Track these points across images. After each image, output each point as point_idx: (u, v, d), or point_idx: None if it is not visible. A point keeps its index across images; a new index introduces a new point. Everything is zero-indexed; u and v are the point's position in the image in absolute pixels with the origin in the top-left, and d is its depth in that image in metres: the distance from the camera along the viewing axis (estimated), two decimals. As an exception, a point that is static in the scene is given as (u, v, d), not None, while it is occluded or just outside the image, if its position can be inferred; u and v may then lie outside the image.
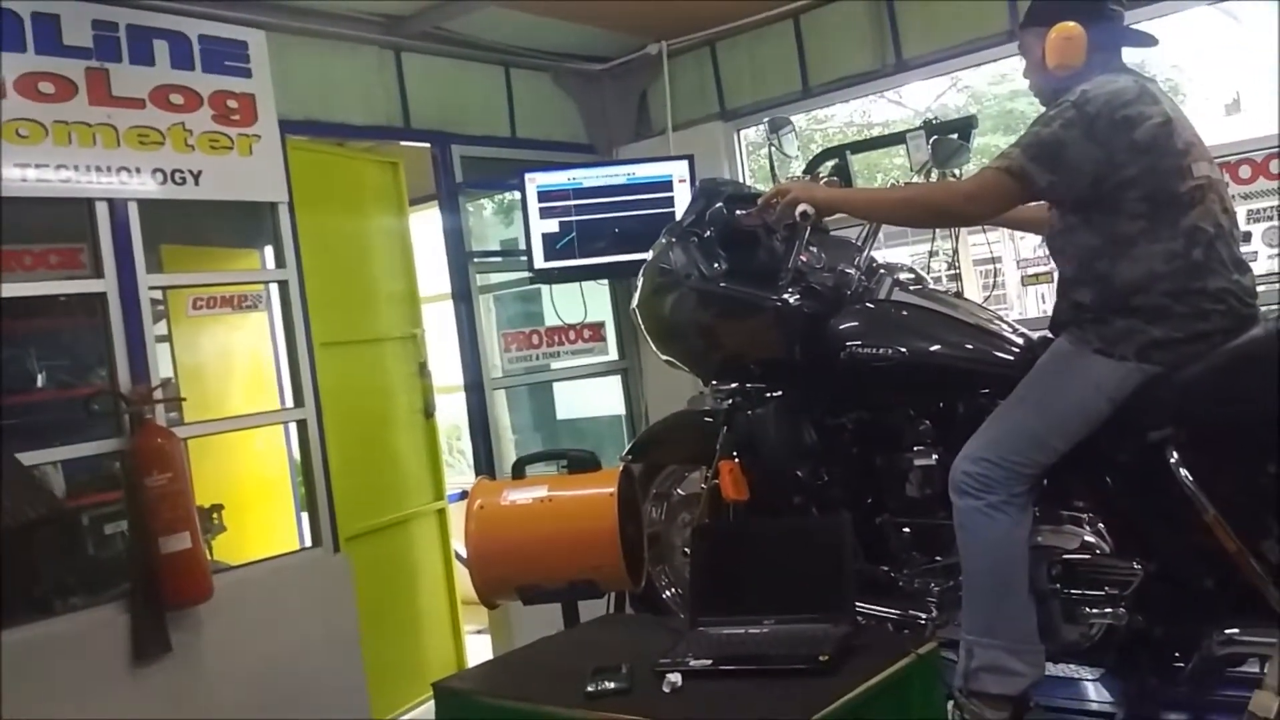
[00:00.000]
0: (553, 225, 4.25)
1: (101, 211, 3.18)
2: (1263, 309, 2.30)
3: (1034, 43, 2.44)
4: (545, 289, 4.56)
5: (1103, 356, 2.26)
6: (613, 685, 1.85)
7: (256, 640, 3.34)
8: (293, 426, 3.94)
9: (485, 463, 4.33)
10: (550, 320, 4.62)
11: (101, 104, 3.17)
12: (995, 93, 7.51)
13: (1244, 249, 3.38)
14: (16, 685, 2.77)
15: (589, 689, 1.85)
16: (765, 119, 2.92)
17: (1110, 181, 2.24)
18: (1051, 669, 2.63)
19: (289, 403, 3.78)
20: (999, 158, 2.33)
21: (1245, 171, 3.52)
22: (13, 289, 3.06)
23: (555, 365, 4.71)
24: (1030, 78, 2.54)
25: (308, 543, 3.84)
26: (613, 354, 4.84)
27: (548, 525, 2.81)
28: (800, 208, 2.49)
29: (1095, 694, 2.67)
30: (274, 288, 3.80)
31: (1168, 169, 2.24)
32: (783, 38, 4.43)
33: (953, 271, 4.92)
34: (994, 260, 4.61)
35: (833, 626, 1.97)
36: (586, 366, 4.79)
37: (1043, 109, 2.41)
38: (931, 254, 3.57)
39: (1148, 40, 2.51)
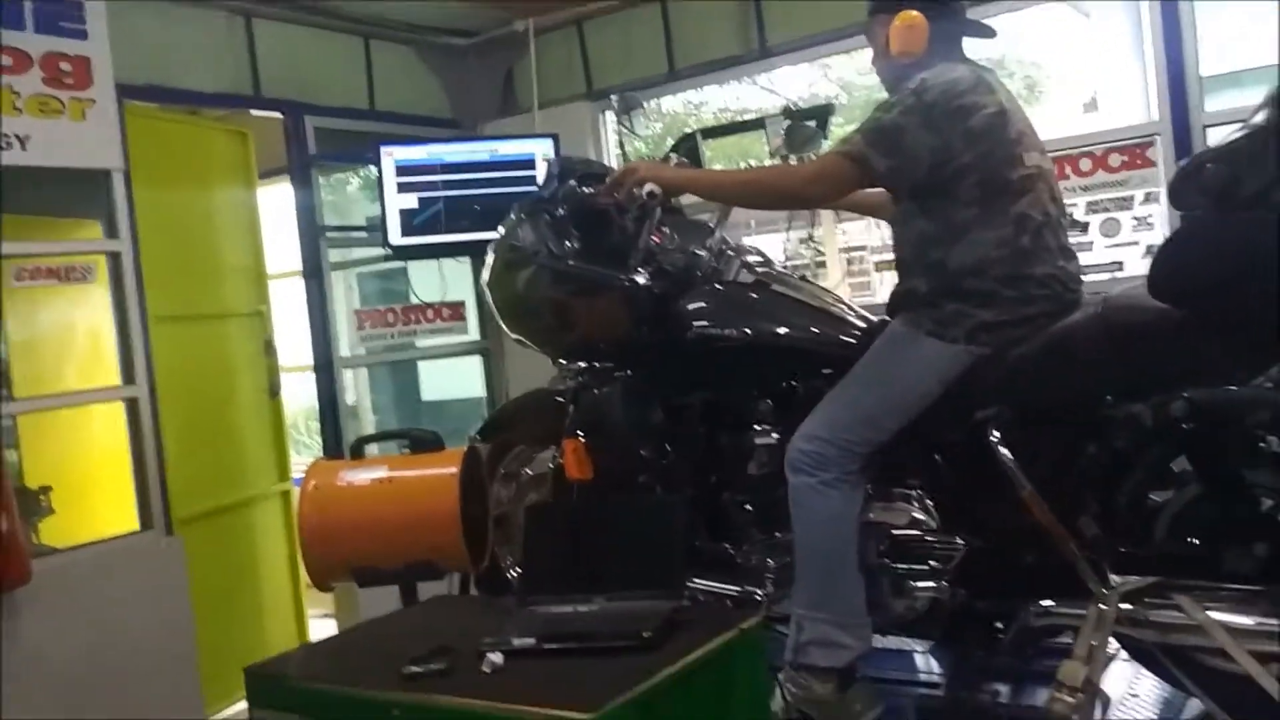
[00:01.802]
0: (411, 201, 4.14)
1: (-84, 175, 2.97)
2: (1089, 295, 2.36)
3: (879, 30, 2.49)
4: (408, 267, 4.46)
5: (935, 339, 2.31)
6: (432, 666, 1.80)
7: (79, 628, 3.17)
8: (132, 405, 3.75)
9: (335, 444, 4.21)
10: (412, 299, 4.52)
11: (-78, 62, 2.96)
12: (864, 83, 7.65)
13: (1082, 238, 3.60)
14: None
15: (406, 671, 1.79)
16: (614, 97, 2.87)
17: (946, 169, 2.30)
18: (882, 641, 2.70)
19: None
20: (840, 143, 2.37)
21: (1085, 164, 3.65)
22: None
23: (414, 345, 4.60)
24: (876, 64, 2.59)
25: (143, 526, 3.65)
26: (473, 334, 4.76)
27: (386, 506, 2.72)
28: (647, 187, 2.48)
29: (923, 665, 2.73)
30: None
31: (1000, 157, 2.29)
32: (650, 19, 4.42)
33: (820, 258, 5.00)
34: (860, 248, 4.72)
35: (660, 604, 1.95)
36: (445, 346, 4.70)
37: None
38: (803, 240, 3.60)
39: (986, 32, 2.57)
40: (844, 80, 8.07)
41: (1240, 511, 2.07)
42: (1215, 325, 2.01)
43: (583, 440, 2.67)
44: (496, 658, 1.81)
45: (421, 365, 5.38)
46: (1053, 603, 2.26)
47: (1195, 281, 2.02)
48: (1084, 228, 3.65)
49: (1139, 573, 2.14)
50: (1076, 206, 3.68)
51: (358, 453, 2.91)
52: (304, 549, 2.74)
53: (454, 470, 2.72)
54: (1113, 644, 2.25)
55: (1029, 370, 2.25)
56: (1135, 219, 3.58)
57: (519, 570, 2.96)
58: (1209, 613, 2.03)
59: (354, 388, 6.16)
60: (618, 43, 4.53)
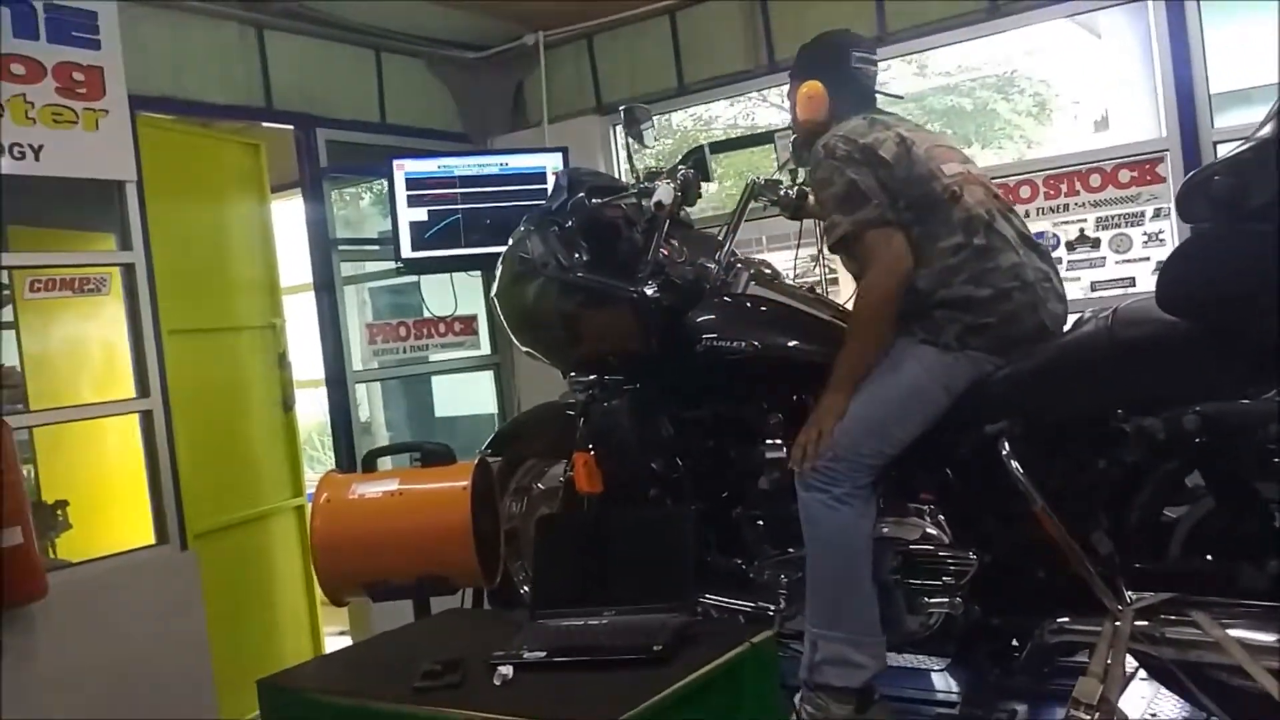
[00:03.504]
0: (421, 214, 4.16)
1: (-71, 184, 2.99)
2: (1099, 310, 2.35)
3: (792, 95, 2.68)
4: (421, 281, 4.47)
5: (929, 346, 2.34)
6: (443, 679, 1.80)
7: (95, 641, 3.17)
8: (147, 419, 3.77)
9: (348, 458, 4.21)
10: (425, 313, 4.53)
11: (-66, 71, 2.98)
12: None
13: (1093, 254, 3.60)
14: None
15: (418, 684, 1.79)
16: (621, 110, 2.88)
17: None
18: (899, 660, 2.68)
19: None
20: (841, 240, 2.45)
21: (1095, 180, 3.65)
22: None
23: (426, 359, 4.60)
24: (792, 128, 2.77)
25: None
26: (485, 348, 4.77)
27: (398, 520, 2.73)
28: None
29: (940, 684, 2.72)
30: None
31: (917, 176, 2.41)
32: (659, 34, 4.43)
33: (832, 274, 5.01)
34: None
35: (671, 617, 1.94)
36: (457, 361, 4.70)
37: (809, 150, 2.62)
38: (813, 257, 3.61)
39: (895, 97, 2.78)
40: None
41: (1254, 527, 2.05)
42: (1223, 338, 2.00)
43: (593, 453, 2.67)
44: (507, 671, 1.81)
45: (435, 380, 5.39)
46: (1068, 619, 2.24)
47: (1202, 294, 2.01)
48: (1095, 243, 3.66)
49: (1154, 589, 2.14)
50: (1086, 222, 3.69)
51: (369, 466, 2.91)
52: (316, 562, 2.74)
53: (465, 484, 2.72)
54: (1132, 662, 2.23)
55: (1038, 383, 2.25)
56: (1146, 234, 3.58)
57: (530, 583, 2.97)
58: (1225, 629, 2.01)
59: (367, 403, 6.19)
60: (627, 57, 4.54)
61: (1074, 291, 3.66)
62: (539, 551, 2.18)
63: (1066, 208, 3.73)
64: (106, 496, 4.30)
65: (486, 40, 4.60)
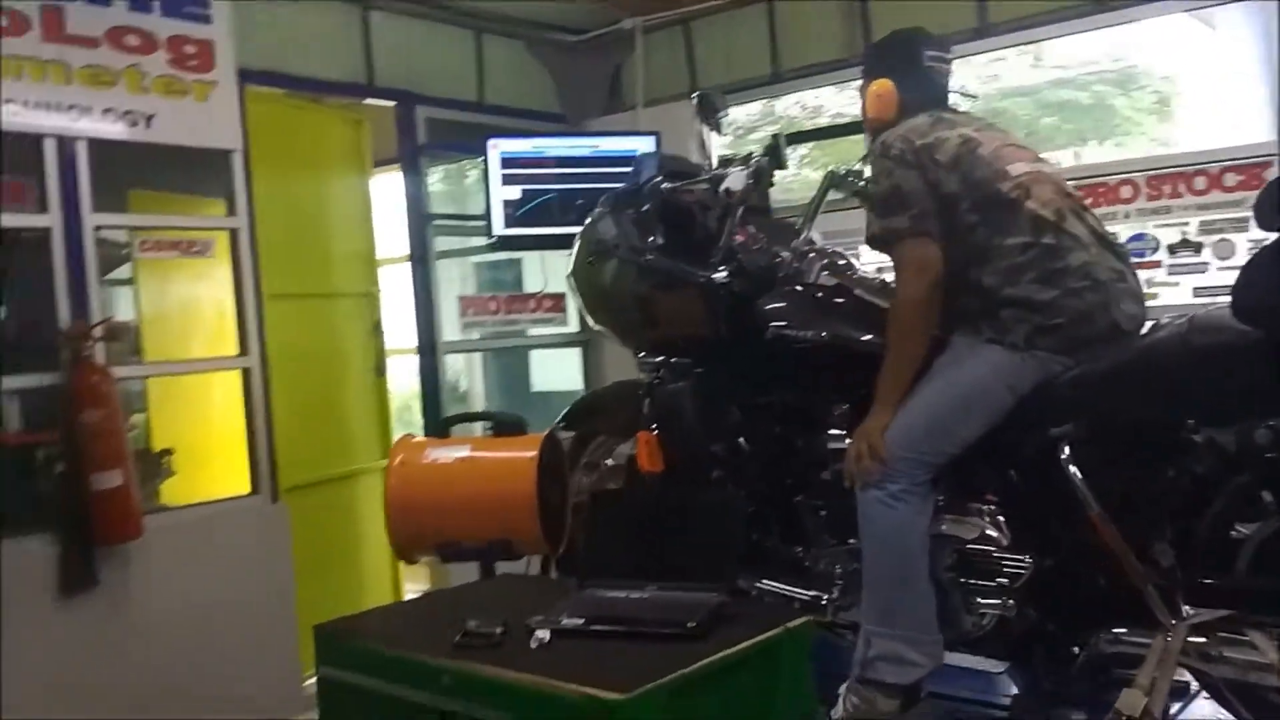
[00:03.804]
0: (515, 192, 4.24)
1: (50, 149, 3.17)
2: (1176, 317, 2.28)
3: (863, 93, 2.67)
4: (523, 258, 4.55)
5: (995, 345, 2.31)
6: (482, 638, 1.87)
7: (185, 582, 3.34)
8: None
9: (434, 425, 4.33)
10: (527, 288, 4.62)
11: (55, 40, 3.15)
12: (985, 91, 7.47)
13: (1194, 259, 3.48)
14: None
15: (458, 640, 1.86)
16: (694, 97, 2.90)
17: (942, 198, 2.38)
18: (960, 659, 2.66)
19: (242, 350, 3.78)
20: (880, 243, 2.48)
21: (1200, 183, 3.52)
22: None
23: (515, 334, 4.70)
24: (865, 128, 2.74)
25: (253, 491, 3.83)
26: (574, 325, 4.84)
27: (467, 485, 2.83)
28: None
29: (997, 687, 2.68)
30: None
31: (981, 177, 2.38)
32: (756, 21, 4.43)
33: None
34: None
35: (711, 596, 1.98)
36: (545, 337, 4.79)
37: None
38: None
39: (969, 96, 2.76)
40: (966, 87, 7.89)
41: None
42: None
43: (656, 433, 2.71)
44: (544, 634, 1.87)
45: (533, 355, 5.51)
46: (1125, 631, 2.20)
47: (1276, 302, 1.95)
48: (1197, 248, 3.54)
49: (1219, 605, 2.08)
50: (1189, 226, 3.56)
51: (444, 432, 3.01)
52: (389, 522, 2.85)
53: (533, 454, 2.80)
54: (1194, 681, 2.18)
55: (1107, 387, 2.20)
56: (1251, 242, 3.42)
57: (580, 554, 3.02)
58: (1281, 650, 1.95)
59: (466, 374, 6.35)
60: (723, 43, 4.55)
61: (1175, 297, 3.55)
62: (591, 524, 2.24)
63: (1169, 210, 3.61)
64: (209, 447, 4.51)
65: (586, 24, 4.66)
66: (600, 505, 2.31)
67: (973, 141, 2.42)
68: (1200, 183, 3.52)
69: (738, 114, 5.48)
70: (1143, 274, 3.62)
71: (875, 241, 2.48)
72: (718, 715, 1.78)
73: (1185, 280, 3.57)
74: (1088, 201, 3.64)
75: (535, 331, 4.75)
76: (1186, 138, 6.99)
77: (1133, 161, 3.88)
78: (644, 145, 4.30)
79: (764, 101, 7.55)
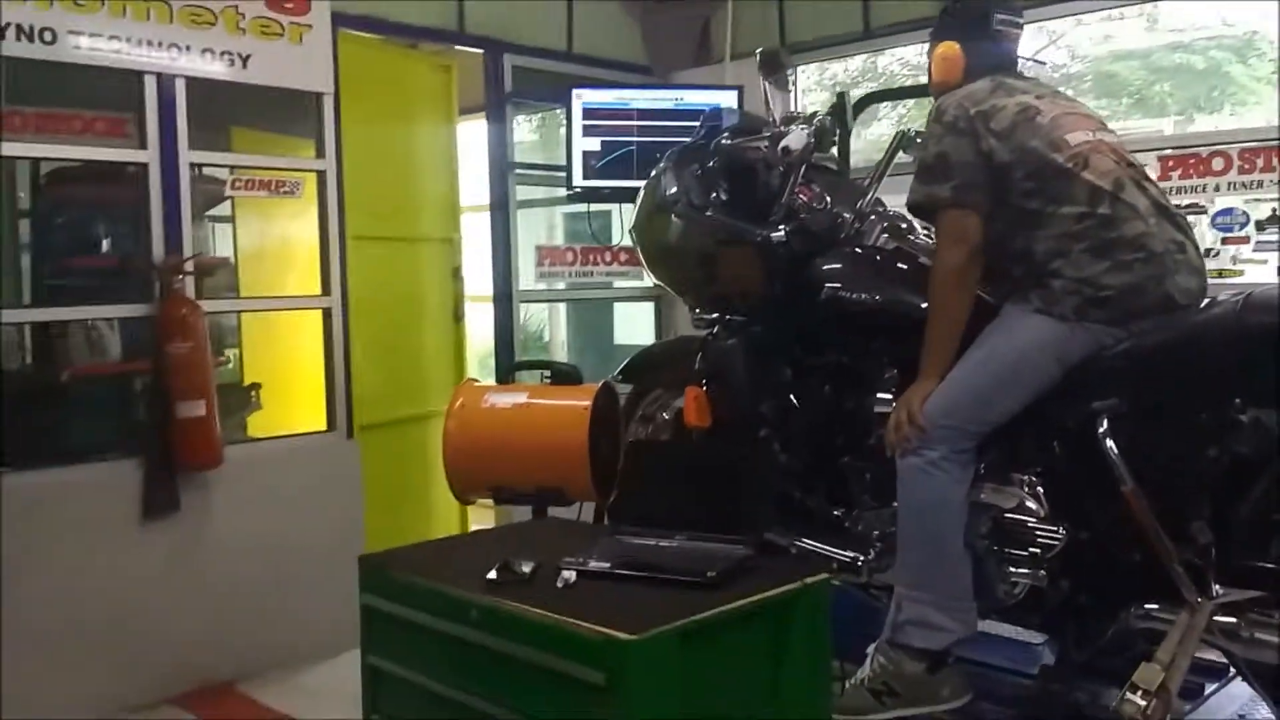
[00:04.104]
0: (594, 144, 4.29)
1: (150, 85, 3.31)
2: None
3: (930, 55, 2.62)
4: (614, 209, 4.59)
5: (1043, 315, 2.28)
6: (512, 575, 1.95)
7: (261, 510, 3.52)
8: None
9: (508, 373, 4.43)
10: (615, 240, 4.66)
11: (157, -20, 3.29)
12: (1095, 53, 7.19)
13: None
14: (30, 528, 2.99)
15: (490, 576, 1.95)
16: (758, 53, 2.89)
17: (992, 168, 2.35)
18: (999, 628, 2.67)
19: (328, 290, 3.91)
20: (911, 205, 2.50)
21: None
22: (59, 150, 3.27)
23: (595, 285, 4.76)
24: (931, 92, 2.67)
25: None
26: (648, 279, 4.86)
27: (523, 431, 2.92)
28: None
29: (1025, 657, 2.68)
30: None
31: (1039, 145, 2.33)
32: (850, -23, 4.36)
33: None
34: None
35: (736, 549, 2.03)
36: (621, 290, 4.84)
37: None
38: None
39: (1039, 63, 2.69)
40: (1075, 50, 7.61)
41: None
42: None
43: (705, 389, 2.75)
44: (570, 575, 1.95)
45: (617, 308, 5.57)
46: (1157, 607, 2.18)
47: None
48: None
49: (1253, 588, 2.05)
50: (1280, 203, 3.43)
51: (505, 379, 3.10)
52: (447, 462, 2.97)
53: (586, 404, 2.87)
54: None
55: (1155, 362, 2.17)
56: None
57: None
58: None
59: (549, 325, 6.46)
60: (814, -2, 4.49)
61: (1262, 274, 3.44)
62: (626, 474, 2.30)
63: (1260, 184, 3.48)
64: (296, 383, 4.70)
65: (678, -25, 4.65)
66: (638, 456, 2.36)
67: (1031, 109, 2.38)
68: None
69: (836, 69, 5.49)
70: (1229, 249, 3.56)
71: (915, 208, 2.48)
72: (729, 662, 1.84)
73: (1272, 257, 3.44)
74: (1176, 173, 3.59)
75: (624, 284, 4.79)
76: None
77: (1224, 133, 3.73)
78: (727, 100, 4.30)
79: (865, 57, 7.43)
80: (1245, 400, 2.04)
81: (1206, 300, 2.27)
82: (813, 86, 7.28)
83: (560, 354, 6.33)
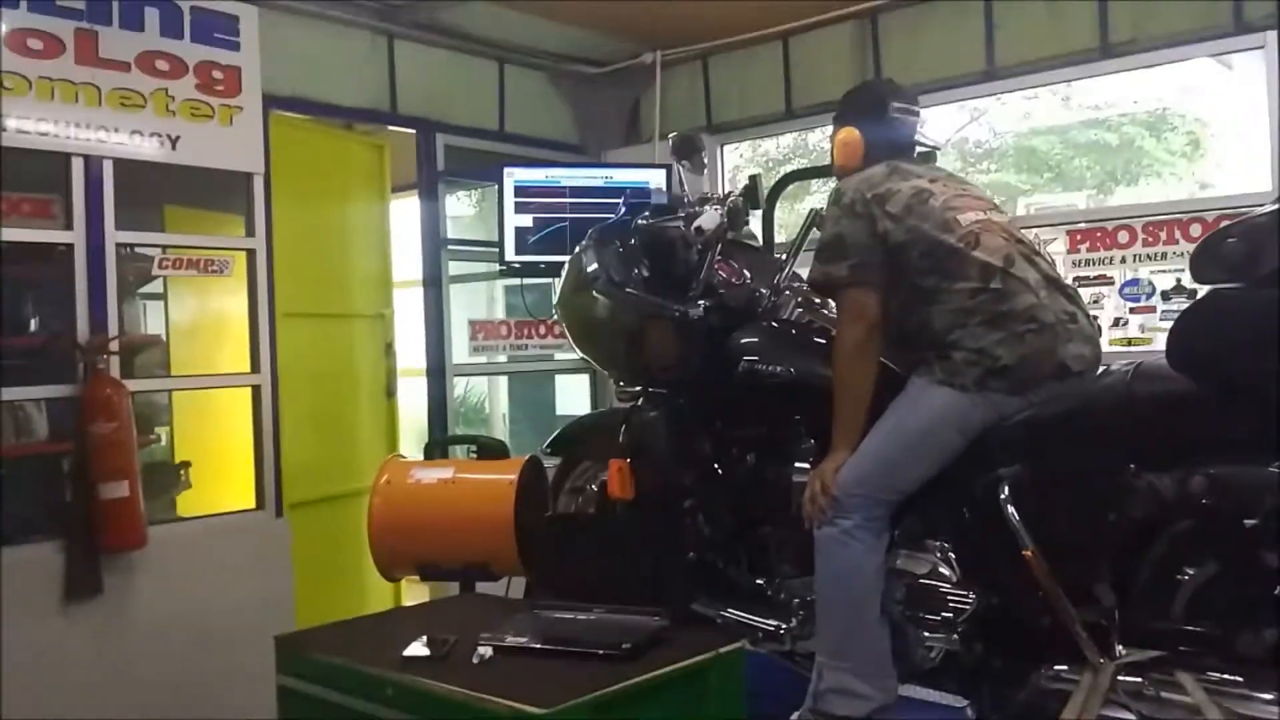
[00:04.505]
0: (527, 220, 4.37)
1: (77, 167, 3.32)
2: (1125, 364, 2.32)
3: (832, 140, 2.76)
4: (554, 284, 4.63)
5: (946, 388, 2.36)
6: (428, 653, 1.96)
7: (187, 591, 3.45)
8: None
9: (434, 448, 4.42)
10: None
11: (87, 64, 3.31)
12: (1016, 129, 7.50)
13: (1187, 304, 3.49)
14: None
15: (405, 653, 1.95)
16: (671, 138, 3.00)
17: (889, 248, 2.45)
18: (926, 694, 2.70)
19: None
20: (810, 283, 2.63)
21: (1196, 230, 3.55)
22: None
23: (539, 358, 4.83)
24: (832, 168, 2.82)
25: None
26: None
27: (448, 507, 2.93)
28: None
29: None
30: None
31: (933, 225, 2.44)
32: (771, 58, 4.54)
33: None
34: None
35: (652, 620, 2.05)
36: (556, 362, 4.89)
37: None
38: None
39: (932, 147, 2.83)
40: (995, 127, 7.91)
41: (1254, 594, 2.01)
42: (1230, 399, 1.97)
43: (629, 461, 2.79)
44: (486, 651, 1.96)
45: (559, 380, 5.60)
46: (1066, 668, 2.24)
47: (1206, 352, 1.99)
48: (1192, 294, 3.55)
49: (1154, 648, 2.11)
50: (1184, 273, 3.58)
51: (431, 454, 3.11)
52: (372, 539, 2.97)
53: (512, 478, 2.90)
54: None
55: (1052, 430, 2.25)
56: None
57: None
58: (1209, 694, 1.98)
59: (490, 397, 6.47)
60: (739, 79, 4.65)
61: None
62: (545, 547, 2.32)
63: (1164, 256, 3.64)
64: (226, 461, 4.65)
65: (607, 57, 4.79)
66: (558, 529, 2.39)
67: (925, 192, 2.49)
68: (1196, 229, 3.55)
69: (769, 146, 5.58)
70: (1137, 318, 3.70)
71: (815, 286, 2.59)
72: (643, 734, 1.85)
73: (1178, 326, 3.57)
74: (1084, 246, 3.75)
75: (563, 356, 4.84)
76: (1222, 179, 6.97)
77: (1129, 208, 3.91)
78: (655, 177, 4.41)
79: (796, 135, 7.65)
80: (1138, 465, 2.11)
81: (1101, 369, 2.37)
82: (744, 163, 7.49)
83: (501, 426, 6.34)
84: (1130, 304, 3.71)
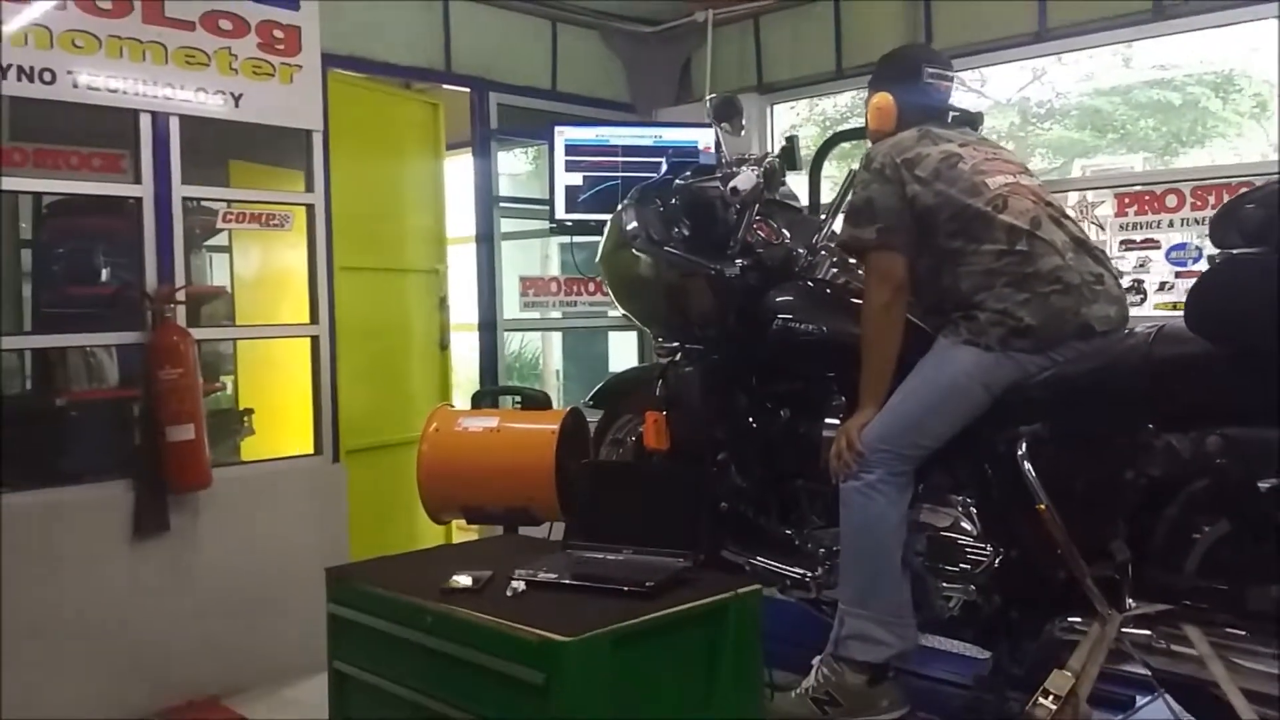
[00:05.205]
0: (577, 179, 4.44)
1: (145, 123, 3.47)
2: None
3: (866, 105, 2.78)
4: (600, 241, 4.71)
5: (971, 347, 2.42)
6: (466, 585, 2.09)
7: (249, 530, 3.64)
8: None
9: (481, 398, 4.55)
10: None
11: (154, 23, 3.44)
12: (1079, 90, 7.38)
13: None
14: (26, 546, 3.13)
15: (444, 585, 2.08)
16: (708, 100, 3.06)
17: (917, 211, 2.50)
18: (945, 644, 2.79)
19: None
20: (839, 245, 2.71)
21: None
22: (57, 185, 3.45)
23: (589, 314, 4.91)
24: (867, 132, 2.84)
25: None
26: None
27: (493, 454, 3.05)
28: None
29: (966, 670, 2.79)
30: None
31: (961, 189, 2.48)
32: (823, 17, 4.55)
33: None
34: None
35: (676, 562, 2.16)
36: (604, 319, 4.99)
37: None
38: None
39: (967, 112, 2.79)
40: (1058, 87, 7.79)
41: (1266, 551, 2.05)
42: (1247, 362, 2.01)
43: (665, 414, 2.88)
44: (519, 585, 2.09)
45: (612, 336, 5.70)
46: (1079, 619, 2.30)
47: (1223, 316, 2.03)
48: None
49: (1172, 601, 2.17)
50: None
51: (479, 404, 3.24)
52: (421, 483, 3.10)
53: (554, 428, 3.01)
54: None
55: (1074, 390, 2.30)
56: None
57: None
58: (1214, 647, 2.04)
59: (546, 353, 6.60)
60: (790, 39, 4.67)
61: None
62: (580, 492, 2.43)
63: (1211, 220, 3.61)
64: (288, 409, 4.83)
65: (659, 16, 4.85)
66: (592, 476, 2.50)
67: (954, 157, 2.53)
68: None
69: (825, 105, 5.59)
70: (1184, 282, 3.69)
71: (844, 248, 2.65)
72: (662, 666, 1.97)
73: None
74: (1132, 210, 3.74)
75: (592, 313, 4.93)
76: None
77: (1178, 171, 3.88)
78: (704, 137, 4.45)
79: (853, 93, 7.62)
80: (1156, 425, 2.16)
81: (1126, 330, 2.41)
82: (802, 122, 7.48)
83: (554, 381, 6.47)
84: (1177, 268, 3.70)
